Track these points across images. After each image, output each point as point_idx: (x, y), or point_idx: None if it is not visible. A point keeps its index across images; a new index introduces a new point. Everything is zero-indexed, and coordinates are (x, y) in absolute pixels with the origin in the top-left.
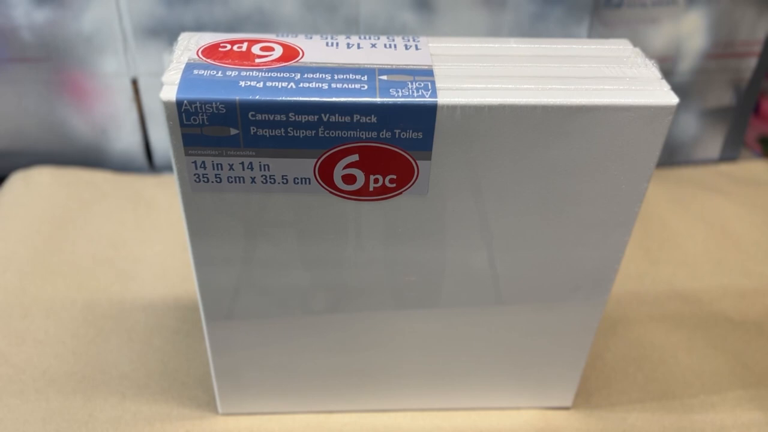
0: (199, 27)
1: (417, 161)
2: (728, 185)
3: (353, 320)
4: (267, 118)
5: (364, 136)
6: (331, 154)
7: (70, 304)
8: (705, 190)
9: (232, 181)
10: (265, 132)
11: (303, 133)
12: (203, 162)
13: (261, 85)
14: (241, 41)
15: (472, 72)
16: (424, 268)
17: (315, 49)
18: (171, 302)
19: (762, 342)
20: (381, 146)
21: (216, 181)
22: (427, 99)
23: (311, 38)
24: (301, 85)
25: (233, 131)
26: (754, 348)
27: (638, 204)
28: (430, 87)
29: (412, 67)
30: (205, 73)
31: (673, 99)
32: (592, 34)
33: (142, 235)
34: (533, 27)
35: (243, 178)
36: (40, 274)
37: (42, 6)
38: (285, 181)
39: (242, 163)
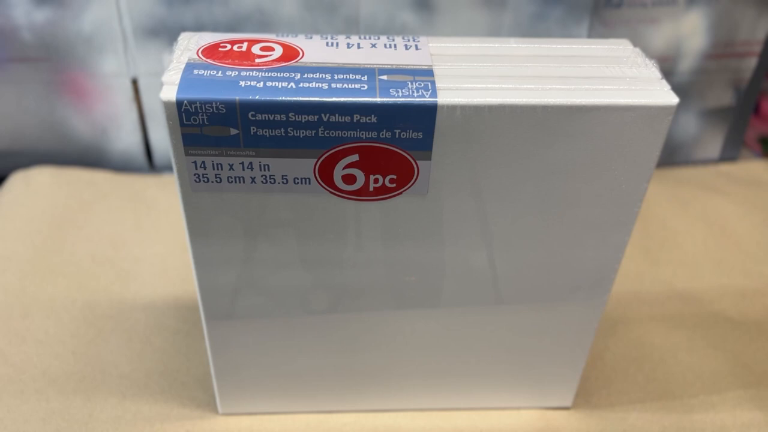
0: (199, 27)
1: (417, 161)
2: (728, 185)
3: (353, 320)
4: (267, 118)
5: (364, 136)
6: (331, 154)
7: (70, 304)
8: (705, 190)
9: (232, 181)
10: (265, 132)
11: (303, 133)
12: (203, 162)
13: (261, 85)
14: (241, 41)
15: (472, 72)
16: (424, 268)
17: (315, 49)
18: (171, 302)
19: (762, 342)
20: (381, 146)
21: (216, 181)
22: (427, 99)
23: (311, 38)
24: (301, 85)
25: (233, 131)
26: (754, 348)
27: (638, 204)
28: (430, 87)
29: (412, 67)
30: (205, 73)
31: (673, 99)
32: (592, 34)
33: (142, 235)
34: (533, 27)
35: (243, 178)
36: (40, 274)
37: (42, 6)
38: (285, 181)
39: (242, 163)
